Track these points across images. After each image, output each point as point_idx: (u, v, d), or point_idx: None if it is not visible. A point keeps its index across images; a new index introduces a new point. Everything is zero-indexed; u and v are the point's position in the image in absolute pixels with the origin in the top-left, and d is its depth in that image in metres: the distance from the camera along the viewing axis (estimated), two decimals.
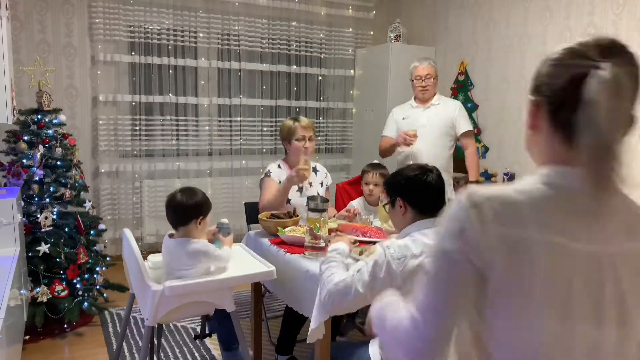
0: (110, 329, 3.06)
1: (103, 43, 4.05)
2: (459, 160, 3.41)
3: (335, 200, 3.22)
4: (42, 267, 2.90)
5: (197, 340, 2.91)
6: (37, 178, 2.99)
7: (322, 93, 5.05)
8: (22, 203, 2.96)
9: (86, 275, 3.13)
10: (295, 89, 4.92)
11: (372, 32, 5.16)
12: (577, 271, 0.81)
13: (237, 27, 4.50)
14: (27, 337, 2.73)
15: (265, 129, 4.77)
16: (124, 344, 2.87)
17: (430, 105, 3.26)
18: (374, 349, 1.70)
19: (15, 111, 3.01)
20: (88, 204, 3.24)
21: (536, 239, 0.80)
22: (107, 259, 3.38)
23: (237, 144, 4.67)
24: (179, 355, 2.76)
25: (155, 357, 2.42)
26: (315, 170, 2.84)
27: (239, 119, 4.65)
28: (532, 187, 0.85)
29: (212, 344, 2.86)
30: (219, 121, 4.59)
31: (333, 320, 1.87)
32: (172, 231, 2.01)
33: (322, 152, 5.09)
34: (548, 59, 0.88)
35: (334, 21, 4.94)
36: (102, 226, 3.38)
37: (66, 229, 3.06)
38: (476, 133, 3.92)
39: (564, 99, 0.83)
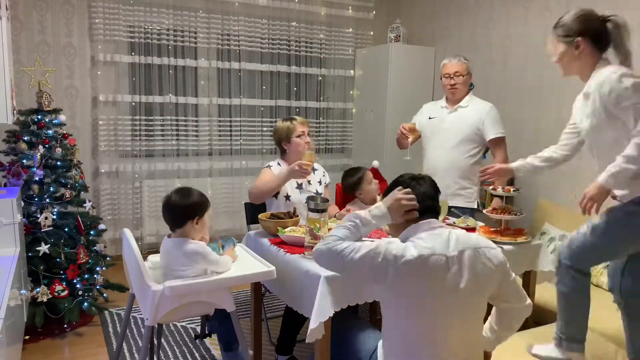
0: (110, 329, 3.07)
1: (103, 43, 4.05)
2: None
3: (336, 199, 3.22)
4: (42, 267, 2.90)
5: (197, 340, 2.91)
6: (37, 178, 2.99)
7: (322, 93, 5.05)
8: (22, 203, 2.96)
9: (86, 275, 3.13)
10: (295, 89, 4.92)
11: (372, 32, 5.17)
12: None
13: (237, 27, 4.50)
14: (27, 337, 2.73)
15: (265, 129, 4.77)
16: (124, 344, 2.87)
17: (457, 107, 3.00)
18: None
19: (15, 111, 3.01)
20: (88, 204, 3.24)
21: None
22: (107, 259, 3.38)
23: (237, 144, 4.67)
24: (179, 355, 2.76)
25: (155, 357, 2.42)
26: (313, 168, 2.84)
27: (239, 119, 4.65)
28: None
29: (212, 344, 2.86)
30: (219, 121, 4.59)
31: (333, 320, 1.88)
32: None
33: (322, 152, 5.09)
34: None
35: (334, 21, 4.94)
36: (102, 226, 3.38)
37: (66, 229, 3.06)
38: None
39: None
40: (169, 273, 1.94)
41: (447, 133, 2.99)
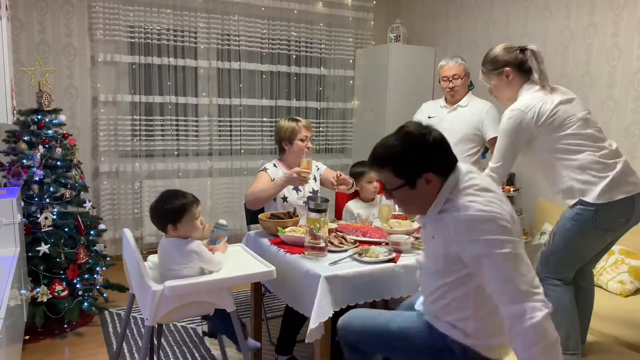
0: (110, 329, 3.07)
1: (103, 43, 4.06)
2: None
3: (335, 200, 3.21)
4: (42, 267, 2.90)
5: (205, 336, 2.91)
6: (37, 178, 2.99)
7: (322, 93, 5.05)
8: (22, 203, 2.96)
9: (86, 275, 3.13)
10: (295, 89, 4.92)
11: (372, 32, 5.17)
12: None
13: (237, 27, 4.50)
14: (27, 337, 2.73)
15: (265, 129, 4.77)
16: (124, 344, 2.87)
17: (457, 107, 3.02)
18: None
19: (15, 111, 3.01)
20: (88, 204, 3.24)
21: None
22: (107, 259, 3.37)
23: (237, 144, 4.67)
24: (179, 355, 2.76)
25: (155, 357, 2.42)
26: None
27: (239, 119, 4.65)
28: None
29: (212, 344, 2.86)
30: (219, 121, 4.59)
31: (333, 320, 1.88)
32: None
33: (322, 152, 5.09)
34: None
35: (334, 21, 4.94)
36: (102, 226, 3.38)
37: (66, 229, 3.06)
38: None
39: None
40: (165, 272, 1.96)
41: (446, 132, 2.94)
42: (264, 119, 4.76)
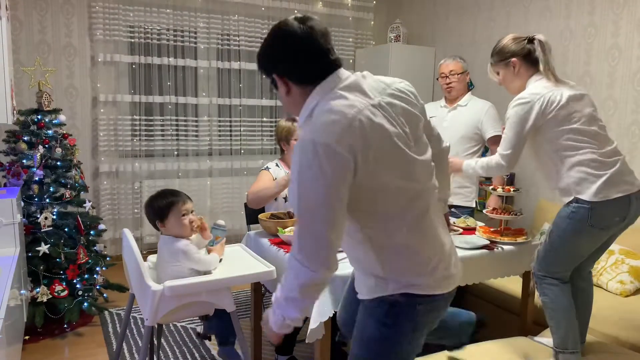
0: (110, 329, 3.06)
1: (103, 43, 4.06)
2: None
3: None
4: (42, 267, 2.90)
5: (198, 339, 2.91)
6: (37, 178, 2.99)
7: None
8: (22, 203, 2.96)
9: (86, 275, 3.13)
10: None
11: (372, 32, 5.17)
12: None
13: (237, 28, 4.50)
14: (27, 337, 2.73)
15: (265, 129, 4.77)
16: (123, 344, 2.87)
17: (457, 106, 3.03)
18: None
19: (15, 111, 3.01)
20: (88, 204, 3.24)
21: None
22: (107, 259, 3.37)
23: (237, 144, 4.67)
24: (179, 355, 2.76)
25: (155, 357, 2.42)
26: None
27: (239, 119, 4.65)
28: None
29: (212, 344, 2.86)
30: (219, 121, 4.59)
31: (333, 320, 1.88)
32: None
33: None
34: None
35: (334, 21, 4.94)
36: (102, 226, 3.38)
37: (66, 229, 3.06)
38: None
39: None
40: (158, 270, 2.02)
41: (446, 131, 2.95)
42: (264, 119, 4.76)
